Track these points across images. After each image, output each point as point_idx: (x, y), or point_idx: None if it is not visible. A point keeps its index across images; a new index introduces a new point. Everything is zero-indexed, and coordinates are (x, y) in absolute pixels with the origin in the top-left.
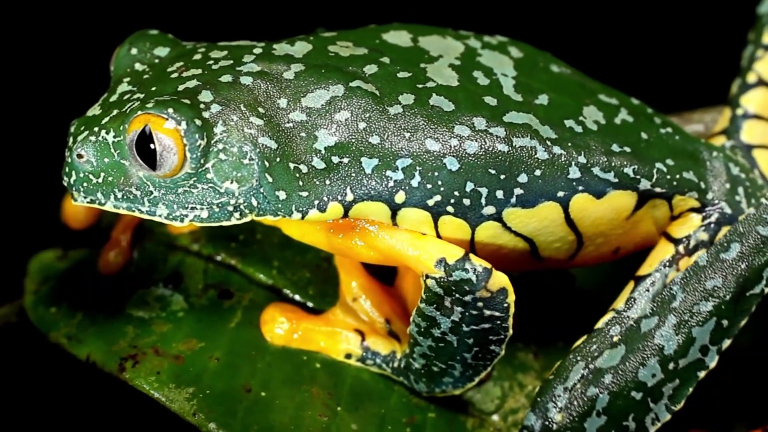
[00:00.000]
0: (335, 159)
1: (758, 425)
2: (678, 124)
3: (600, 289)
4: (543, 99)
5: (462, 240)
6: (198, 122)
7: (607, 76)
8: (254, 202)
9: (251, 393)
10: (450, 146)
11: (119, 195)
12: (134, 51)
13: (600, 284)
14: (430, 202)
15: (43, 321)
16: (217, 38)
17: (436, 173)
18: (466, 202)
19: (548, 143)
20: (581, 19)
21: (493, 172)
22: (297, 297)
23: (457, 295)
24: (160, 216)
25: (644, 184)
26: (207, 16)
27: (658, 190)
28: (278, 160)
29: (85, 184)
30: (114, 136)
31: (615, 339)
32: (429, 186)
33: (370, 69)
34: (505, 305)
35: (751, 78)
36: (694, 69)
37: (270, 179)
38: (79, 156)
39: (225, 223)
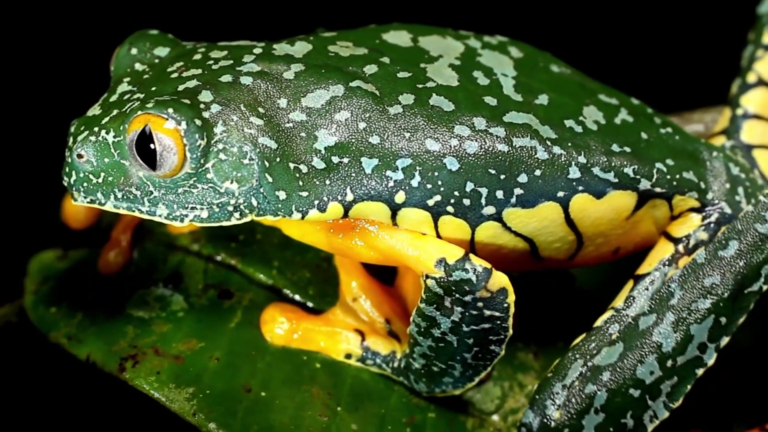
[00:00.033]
0: (335, 159)
1: (757, 424)
2: (678, 124)
3: (600, 289)
4: (543, 99)
5: (462, 240)
6: (198, 122)
7: (607, 76)
8: (254, 202)
9: (251, 393)
10: (450, 146)
11: (119, 195)
12: (134, 51)
13: (600, 284)
14: (430, 202)
15: (43, 321)
16: (217, 38)
17: (436, 173)
18: (466, 202)
19: (548, 143)
20: (581, 19)
21: (493, 172)
22: (297, 297)
23: (457, 295)
24: (160, 216)
25: (644, 184)
26: (207, 16)
27: (658, 190)
28: (278, 160)
29: (85, 184)
30: (114, 136)
31: (613, 337)
32: (429, 186)
33: (370, 69)
34: (505, 305)
35: (751, 78)
36: (694, 69)
37: (270, 179)
38: (79, 156)
39: (225, 223)
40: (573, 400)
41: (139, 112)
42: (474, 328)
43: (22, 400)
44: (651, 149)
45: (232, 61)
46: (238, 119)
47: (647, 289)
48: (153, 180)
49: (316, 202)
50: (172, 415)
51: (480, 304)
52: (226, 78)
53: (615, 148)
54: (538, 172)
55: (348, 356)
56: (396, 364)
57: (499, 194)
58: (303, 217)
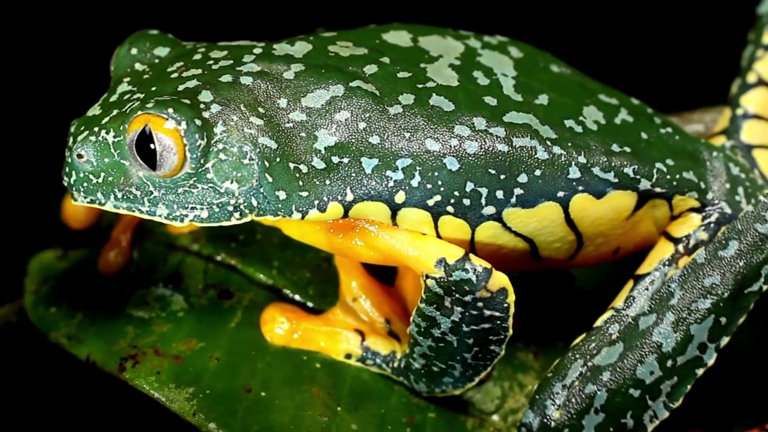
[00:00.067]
0: (335, 159)
1: (757, 424)
2: (678, 124)
3: (600, 289)
4: (543, 99)
5: (462, 240)
6: (198, 122)
7: (607, 76)
8: (254, 202)
9: (251, 393)
10: (450, 146)
11: (119, 195)
12: (134, 51)
13: (600, 284)
14: (430, 202)
15: (43, 321)
16: (217, 38)
17: (436, 173)
18: (466, 202)
19: (548, 143)
20: (581, 19)
21: (493, 172)
22: (297, 297)
23: (457, 295)
24: (160, 216)
25: (644, 184)
26: (207, 16)
27: (658, 190)
28: (278, 160)
29: (85, 184)
30: (114, 136)
31: (613, 337)
32: (429, 186)
33: (370, 69)
34: (505, 305)
35: (751, 78)
36: (694, 69)
37: (270, 179)
38: (79, 156)
39: (225, 223)
40: (573, 400)
41: (139, 112)
42: (474, 328)
43: (22, 400)
44: (651, 149)
45: (232, 61)
46: (238, 119)
47: (647, 289)
48: (153, 180)
49: (316, 202)
50: (172, 415)
51: (480, 304)
52: (226, 78)
53: (615, 148)
54: (538, 172)
55: (348, 356)
56: (396, 364)
57: (499, 194)
58: (303, 217)
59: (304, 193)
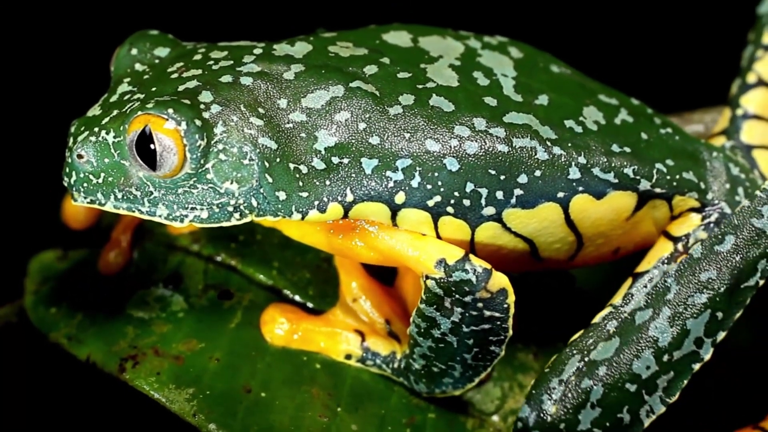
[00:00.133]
0: (335, 159)
1: (755, 422)
2: (678, 124)
3: (600, 290)
4: (543, 99)
5: (462, 241)
6: (198, 123)
7: (607, 76)
8: (254, 203)
9: (251, 393)
10: (450, 147)
11: (119, 195)
12: (134, 51)
13: (600, 285)
14: (430, 203)
15: (43, 321)
16: (217, 38)
17: (436, 174)
18: (466, 202)
19: (548, 144)
20: (581, 19)
21: (493, 172)
22: (297, 297)
23: (457, 296)
24: (160, 216)
25: (644, 185)
26: (207, 16)
27: (658, 190)
28: (278, 160)
29: (85, 185)
30: (114, 137)
31: (610, 332)
32: (429, 186)
33: (370, 69)
34: (505, 306)
35: (751, 78)
36: (694, 69)
37: (270, 180)
38: (80, 156)
39: (225, 224)
40: (569, 394)
41: (140, 113)
42: (474, 329)
43: (22, 400)
44: (651, 150)
45: (232, 62)
46: (238, 120)
47: (646, 286)
48: (153, 180)
49: (316, 202)
50: (172, 416)
51: (480, 304)
52: (227, 78)
53: (615, 148)
54: (538, 173)
55: (348, 357)
56: (396, 365)
57: (499, 195)
58: (303, 218)
59: (304, 194)
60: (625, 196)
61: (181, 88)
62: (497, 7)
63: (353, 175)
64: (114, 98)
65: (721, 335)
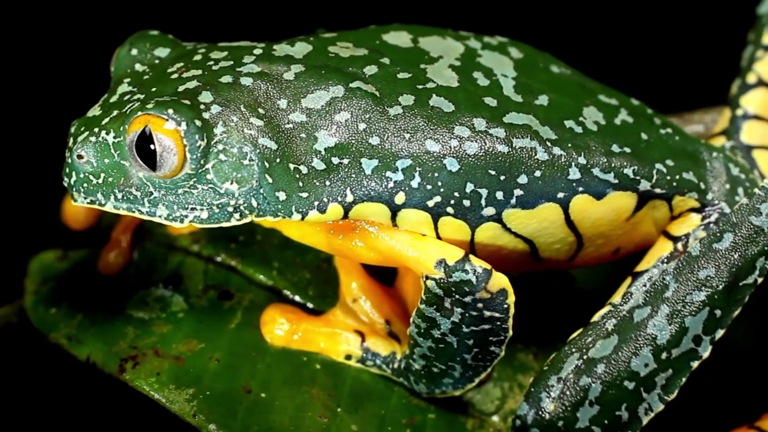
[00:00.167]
0: (335, 160)
1: (753, 420)
2: (678, 124)
3: (600, 290)
4: (543, 100)
5: (462, 241)
6: (198, 123)
7: (607, 76)
8: (254, 203)
9: (251, 394)
10: (450, 147)
11: (119, 196)
12: (134, 51)
13: (600, 285)
14: (430, 203)
15: (43, 321)
16: (217, 38)
17: (436, 174)
18: (466, 203)
19: (548, 144)
20: (581, 19)
21: (493, 173)
22: (297, 298)
23: (457, 296)
24: (160, 217)
25: (644, 185)
26: (207, 16)
27: (658, 190)
28: (278, 161)
29: (85, 185)
30: (114, 137)
31: (609, 330)
32: (429, 187)
33: (370, 70)
34: (505, 306)
35: (751, 78)
36: (694, 69)
37: (270, 180)
38: (80, 157)
39: (225, 224)
40: (568, 392)
41: (140, 113)
42: (474, 329)
43: (22, 400)
44: (651, 150)
45: (232, 62)
46: (238, 120)
47: (645, 285)
48: (153, 181)
49: (316, 203)
50: (172, 416)
51: (480, 305)
52: (227, 79)
53: (615, 148)
54: (538, 173)
55: (348, 357)
56: (396, 365)
57: (499, 195)
58: (303, 218)
59: (304, 194)
60: (625, 197)
61: (181, 88)
62: (497, 7)
63: (353, 175)
64: (114, 98)
65: (720, 333)
